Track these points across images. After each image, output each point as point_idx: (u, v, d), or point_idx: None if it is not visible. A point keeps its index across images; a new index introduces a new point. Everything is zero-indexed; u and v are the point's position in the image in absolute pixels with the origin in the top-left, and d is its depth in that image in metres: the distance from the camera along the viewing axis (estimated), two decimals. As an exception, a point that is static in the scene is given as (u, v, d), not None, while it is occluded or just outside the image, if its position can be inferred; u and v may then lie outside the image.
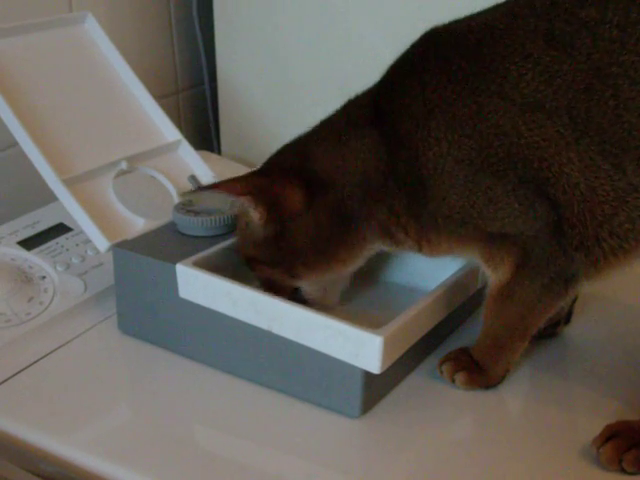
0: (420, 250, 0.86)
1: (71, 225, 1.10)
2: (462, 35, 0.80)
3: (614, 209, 0.75)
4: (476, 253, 0.83)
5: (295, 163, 0.87)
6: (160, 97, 1.37)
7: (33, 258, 1.04)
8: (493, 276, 0.83)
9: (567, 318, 0.98)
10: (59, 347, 0.94)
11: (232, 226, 0.97)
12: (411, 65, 0.83)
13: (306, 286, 0.91)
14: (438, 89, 0.79)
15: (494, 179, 0.78)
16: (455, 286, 0.89)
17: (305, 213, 0.85)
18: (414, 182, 0.81)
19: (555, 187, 0.76)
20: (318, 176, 0.85)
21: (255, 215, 0.85)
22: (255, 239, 0.88)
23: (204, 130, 1.62)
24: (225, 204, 0.89)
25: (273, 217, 0.85)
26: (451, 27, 0.82)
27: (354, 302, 0.97)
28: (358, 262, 0.89)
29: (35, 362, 0.91)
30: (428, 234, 0.83)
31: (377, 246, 0.87)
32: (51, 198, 1.02)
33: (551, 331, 0.96)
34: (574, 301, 0.97)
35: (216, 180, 1.13)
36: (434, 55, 0.81)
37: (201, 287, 0.87)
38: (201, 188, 0.89)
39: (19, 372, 0.89)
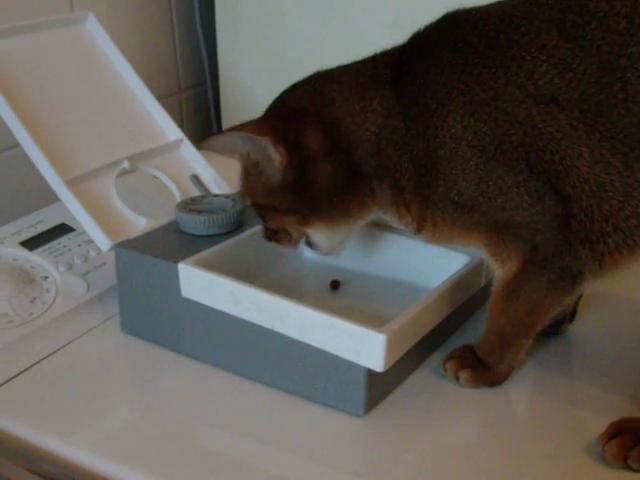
0: (419, 231, 0.85)
1: (73, 225, 1.10)
2: (482, 20, 0.80)
3: (620, 204, 0.75)
4: (482, 245, 0.83)
5: (313, 105, 0.85)
6: (162, 96, 1.38)
7: (35, 258, 1.04)
8: (499, 271, 0.83)
9: (571, 316, 0.97)
10: (62, 347, 0.94)
11: (234, 225, 0.97)
12: (433, 42, 0.82)
13: (314, 235, 0.91)
14: (457, 71, 0.78)
15: (505, 168, 0.77)
16: (459, 283, 0.89)
17: (324, 158, 0.83)
18: (427, 162, 0.80)
19: (565, 181, 0.76)
20: (336, 124, 0.83)
21: (276, 157, 0.83)
22: (270, 186, 0.86)
23: (206, 129, 1.62)
24: (242, 148, 0.85)
25: (293, 159, 0.83)
26: (472, 11, 0.82)
27: (357, 299, 0.97)
28: (367, 219, 0.88)
29: (38, 362, 0.91)
30: (434, 217, 0.83)
31: (384, 210, 0.86)
32: (53, 198, 1.02)
33: (555, 329, 0.95)
34: (579, 299, 0.96)
35: (217, 178, 1.13)
36: (455, 36, 0.80)
37: (203, 286, 0.87)
38: (221, 131, 0.86)
39: (22, 372, 0.89)
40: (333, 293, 0.99)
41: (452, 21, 0.82)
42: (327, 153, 0.83)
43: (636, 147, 0.73)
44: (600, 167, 0.74)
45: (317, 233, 0.90)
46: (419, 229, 0.85)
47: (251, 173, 0.88)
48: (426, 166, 0.81)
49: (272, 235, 0.92)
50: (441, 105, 0.79)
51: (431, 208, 0.82)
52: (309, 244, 0.93)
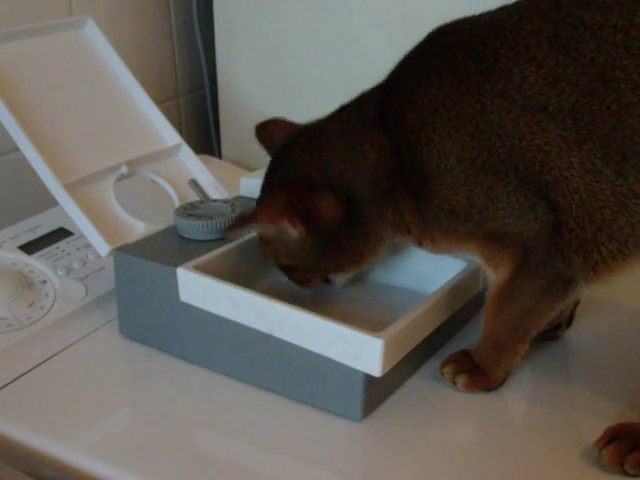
0: (420, 245, 0.87)
1: (72, 229, 1.10)
2: (468, 34, 0.80)
3: (614, 214, 0.75)
4: (476, 252, 0.84)
5: (318, 172, 0.86)
6: (161, 101, 1.38)
7: (34, 262, 1.04)
8: (493, 276, 0.84)
9: (568, 322, 0.98)
10: (60, 351, 0.94)
11: (232, 230, 0.97)
12: (417, 63, 0.83)
13: (333, 277, 0.98)
14: (443, 87, 0.79)
15: (495, 180, 0.78)
16: (456, 289, 0.90)
17: (339, 220, 0.86)
18: (418, 180, 0.81)
19: (554, 191, 0.76)
20: (340, 182, 0.85)
21: (294, 232, 0.85)
22: (292, 251, 0.89)
23: (205, 134, 1.62)
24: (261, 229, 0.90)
25: (311, 229, 0.86)
26: (457, 25, 0.82)
27: (355, 305, 0.97)
28: (381, 257, 0.92)
29: (36, 366, 0.91)
30: (432, 232, 0.84)
31: (393, 242, 0.89)
32: (52, 202, 1.02)
33: (552, 334, 0.95)
34: (576, 305, 0.96)
35: (215, 183, 1.13)
36: (440, 53, 0.81)
37: (202, 291, 0.87)
38: (239, 224, 0.89)
39: (20, 376, 0.89)
40: (330, 298, 0.99)
41: (437, 38, 0.83)
42: (342, 216, 0.86)
43: (631, 157, 0.73)
44: (591, 176, 0.74)
45: (336, 277, 0.97)
46: (420, 243, 0.87)
47: (272, 241, 0.91)
48: (419, 185, 0.81)
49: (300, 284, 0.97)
50: (427, 124, 0.79)
51: (428, 226, 0.84)
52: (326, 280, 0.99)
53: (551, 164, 0.75)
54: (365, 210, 0.85)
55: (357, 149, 0.84)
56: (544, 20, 0.76)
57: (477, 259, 0.85)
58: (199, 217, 0.96)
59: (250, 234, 0.97)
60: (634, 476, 0.74)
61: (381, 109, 0.84)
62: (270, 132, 0.95)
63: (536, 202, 0.77)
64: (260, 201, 0.91)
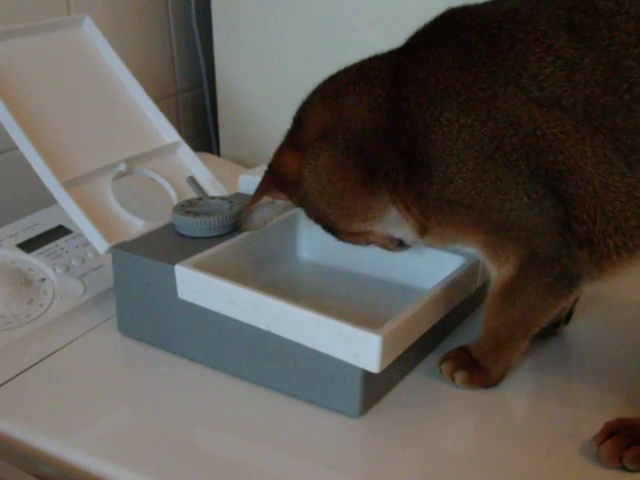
0: (424, 233, 0.84)
1: (70, 227, 1.10)
2: (484, 17, 0.78)
3: (622, 205, 0.74)
4: (480, 247, 0.82)
5: (291, 130, 0.89)
6: (159, 99, 1.38)
7: (33, 260, 1.04)
8: (497, 273, 0.82)
9: (567, 318, 0.98)
10: (59, 349, 0.94)
11: (231, 227, 0.97)
12: (431, 38, 0.81)
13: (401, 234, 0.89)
14: (454, 68, 0.77)
15: (504, 169, 0.76)
16: (454, 284, 0.89)
17: (305, 178, 0.86)
18: (417, 159, 0.79)
19: (568, 182, 0.75)
20: (312, 132, 0.85)
21: (284, 201, 0.88)
22: (317, 210, 0.89)
23: (203, 132, 1.63)
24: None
25: (291, 195, 0.88)
26: (474, 8, 0.80)
27: (353, 301, 0.97)
28: (392, 217, 0.86)
29: (35, 364, 0.91)
30: (437, 215, 0.82)
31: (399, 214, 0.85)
32: (50, 201, 1.02)
33: (551, 330, 0.95)
34: (575, 301, 0.96)
35: (214, 180, 1.14)
36: (454, 33, 0.79)
37: (200, 288, 0.87)
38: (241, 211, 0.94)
39: (19, 374, 0.89)
40: (328, 294, 0.99)
41: (453, 17, 0.81)
42: (306, 164, 0.85)
43: (639, 149, 0.73)
44: (604, 168, 0.73)
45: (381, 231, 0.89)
46: (423, 231, 0.84)
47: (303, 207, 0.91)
48: (418, 164, 0.80)
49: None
50: (434, 104, 0.78)
51: (430, 207, 0.81)
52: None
53: (566, 153, 0.74)
54: (375, 170, 0.83)
55: (344, 101, 0.84)
56: (560, 6, 0.75)
57: (480, 254, 0.84)
58: (197, 214, 0.96)
59: (247, 233, 0.97)
60: (633, 471, 0.74)
61: (395, 74, 0.82)
62: None
63: (544, 195, 0.76)
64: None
